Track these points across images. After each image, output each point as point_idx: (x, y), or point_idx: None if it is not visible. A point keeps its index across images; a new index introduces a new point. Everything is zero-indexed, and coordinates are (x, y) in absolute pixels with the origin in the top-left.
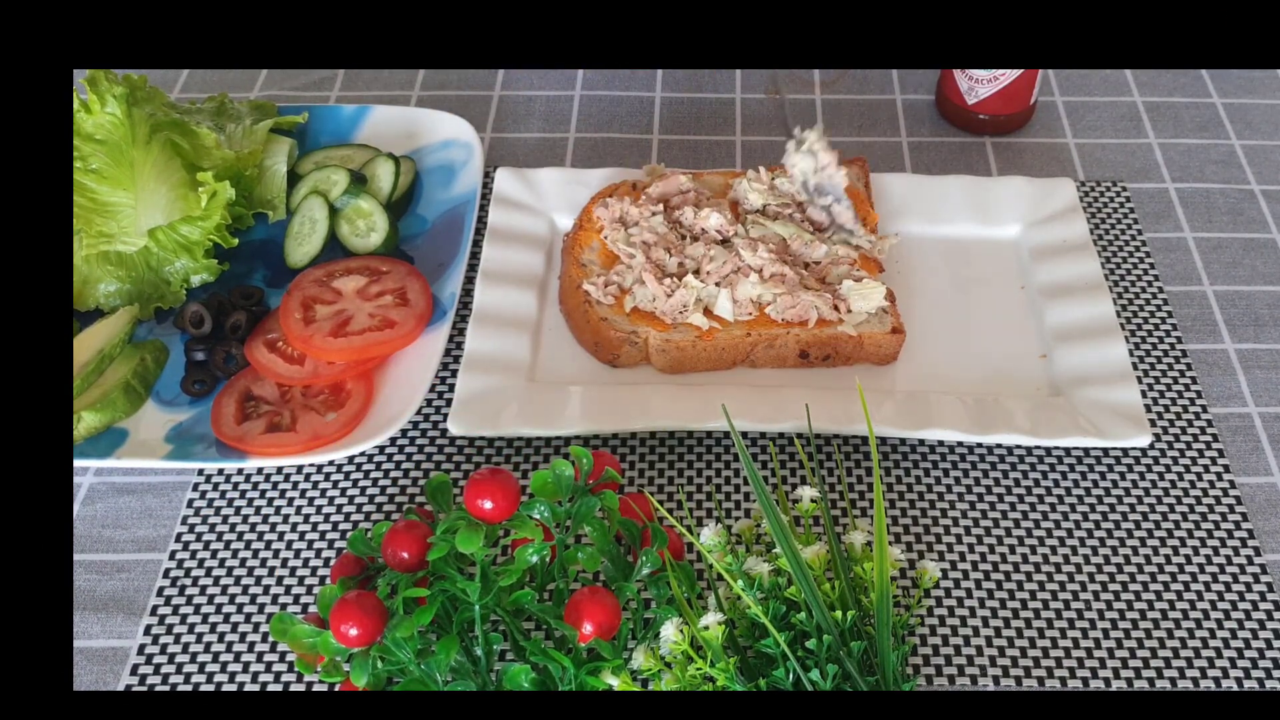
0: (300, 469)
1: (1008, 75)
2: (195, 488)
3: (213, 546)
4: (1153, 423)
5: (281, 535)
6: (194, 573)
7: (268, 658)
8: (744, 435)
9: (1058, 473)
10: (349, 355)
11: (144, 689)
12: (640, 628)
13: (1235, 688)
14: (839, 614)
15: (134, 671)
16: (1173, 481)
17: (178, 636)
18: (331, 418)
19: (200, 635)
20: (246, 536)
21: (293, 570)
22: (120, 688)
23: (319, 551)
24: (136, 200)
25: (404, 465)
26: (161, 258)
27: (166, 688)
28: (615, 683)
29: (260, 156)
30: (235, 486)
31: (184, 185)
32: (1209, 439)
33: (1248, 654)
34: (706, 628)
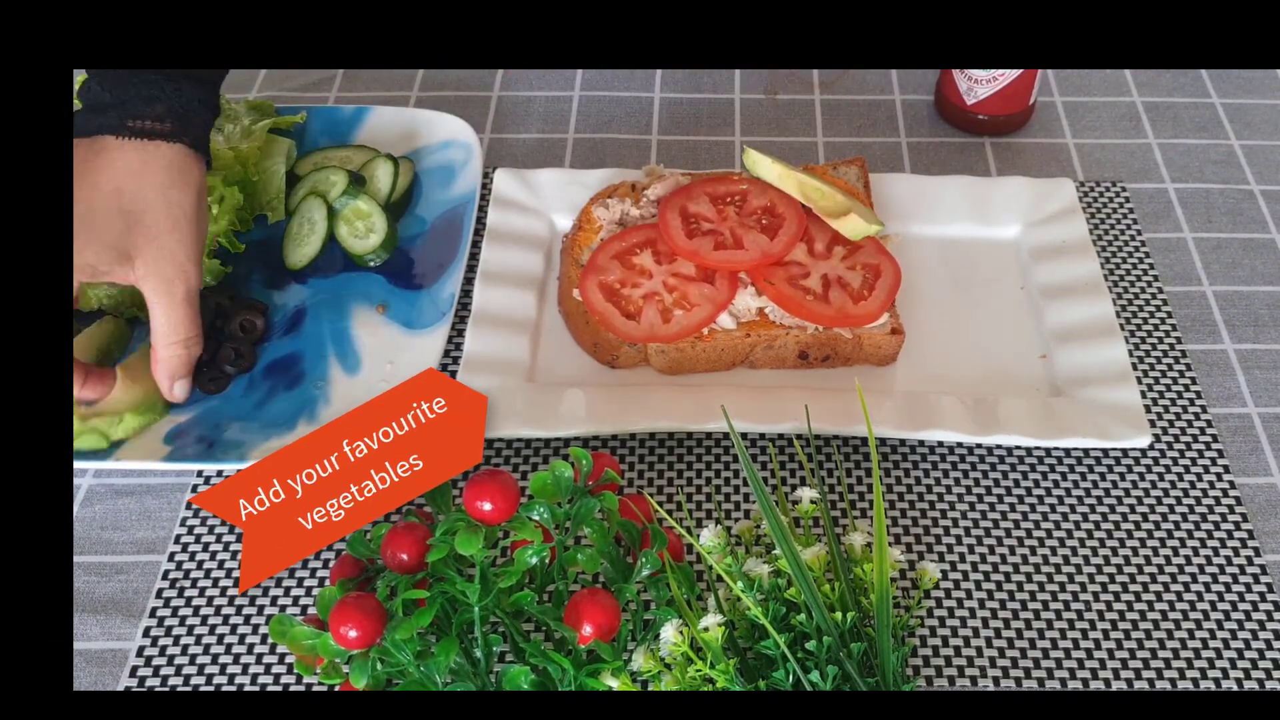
0: None
1: (1007, 75)
2: (194, 489)
3: (211, 548)
4: (1152, 423)
5: None
6: (193, 574)
7: (267, 659)
8: (743, 436)
9: (1058, 473)
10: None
11: (143, 690)
12: (640, 629)
13: (1235, 688)
14: (839, 615)
15: (133, 674)
16: (1173, 482)
17: (176, 638)
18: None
19: (199, 637)
20: None
21: (292, 571)
22: (119, 690)
23: (318, 553)
24: None
25: None
26: None
27: (165, 689)
28: (615, 684)
29: (260, 157)
30: None
31: None
32: (1209, 439)
33: (1248, 654)
34: (706, 629)
